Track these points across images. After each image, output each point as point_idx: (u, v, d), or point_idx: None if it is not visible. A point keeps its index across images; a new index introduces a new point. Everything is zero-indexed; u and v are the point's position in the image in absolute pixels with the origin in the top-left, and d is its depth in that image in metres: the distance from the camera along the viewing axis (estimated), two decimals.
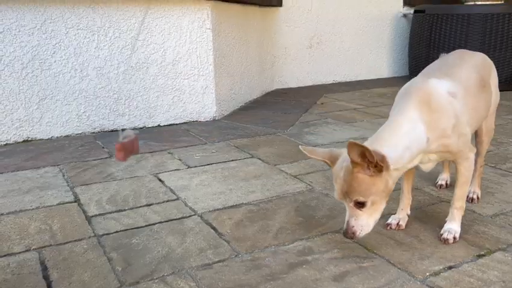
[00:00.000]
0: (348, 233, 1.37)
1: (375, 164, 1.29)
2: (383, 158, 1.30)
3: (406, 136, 1.39)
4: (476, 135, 1.82)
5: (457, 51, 1.81)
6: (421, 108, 1.41)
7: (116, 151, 0.97)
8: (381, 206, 1.38)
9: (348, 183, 1.34)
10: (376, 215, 1.38)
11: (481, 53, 1.81)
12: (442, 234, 1.57)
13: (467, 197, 1.84)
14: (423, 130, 1.39)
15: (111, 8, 2.93)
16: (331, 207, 1.86)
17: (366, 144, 1.33)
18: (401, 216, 1.68)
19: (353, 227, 1.36)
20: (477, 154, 1.80)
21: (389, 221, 1.68)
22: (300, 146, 1.48)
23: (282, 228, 1.69)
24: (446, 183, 2.05)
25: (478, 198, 1.89)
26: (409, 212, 1.71)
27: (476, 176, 1.87)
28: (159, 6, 3.04)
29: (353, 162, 1.30)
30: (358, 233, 1.37)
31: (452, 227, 1.58)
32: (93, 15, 2.89)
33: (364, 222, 1.37)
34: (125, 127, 3.07)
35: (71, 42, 2.87)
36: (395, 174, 1.38)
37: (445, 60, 1.72)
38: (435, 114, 1.42)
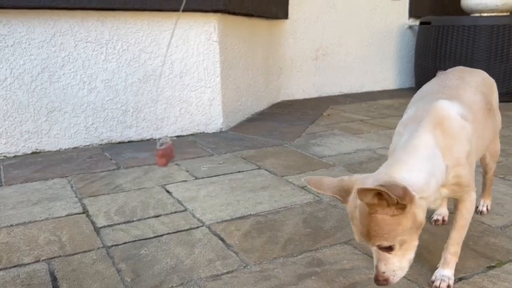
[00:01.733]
0: (380, 281, 1.16)
1: (396, 202, 1.07)
2: (404, 191, 1.08)
3: (427, 160, 1.19)
4: (481, 160, 1.72)
5: (455, 69, 1.61)
6: (434, 133, 1.23)
7: (157, 158, 0.99)
8: (414, 243, 1.17)
9: (366, 226, 1.12)
10: (410, 255, 1.16)
11: (481, 71, 1.65)
12: (433, 282, 1.37)
13: (476, 209, 1.81)
14: (440, 156, 1.21)
15: (119, 22, 2.96)
16: (340, 218, 1.86)
17: (381, 171, 1.18)
18: (443, 212, 1.75)
19: (384, 273, 1.15)
20: (485, 173, 1.81)
21: (434, 218, 1.75)
22: (303, 179, 1.27)
23: (290, 239, 1.69)
24: (443, 219, 1.83)
25: (488, 210, 1.85)
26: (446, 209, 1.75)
27: (485, 190, 1.85)
28: (167, 19, 3.07)
29: (369, 205, 1.09)
30: (391, 279, 1.15)
31: (446, 273, 1.38)
32: (101, 29, 2.93)
33: (397, 266, 1.15)
34: (132, 139, 3.09)
35: (79, 55, 2.90)
36: (423, 204, 1.16)
37: (444, 80, 1.52)
38: (450, 140, 1.24)
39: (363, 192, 1.05)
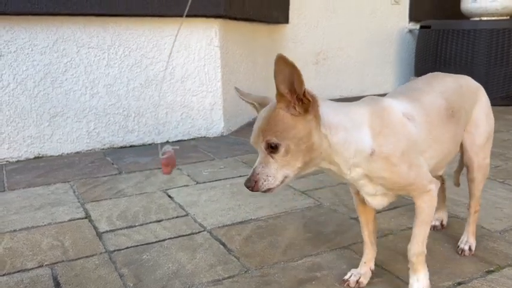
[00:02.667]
0: (250, 181, 1.13)
1: (302, 98, 1.08)
2: (313, 97, 1.10)
3: (352, 122, 1.17)
4: (467, 173, 1.56)
5: (428, 74, 1.53)
6: (371, 115, 1.19)
7: (162, 166, 1.02)
8: (296, 163, 1.12)
9: (266, 119, 1.13)
10: (288, 170, 1.13)
11: (464, 77, 1.54)
12: None
13: (458, 247, 1.61)
14: (368, 134, 1.17)
15: (121, 27, 2.98)
16: (340, 223, 1.87)
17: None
18: (363, 272, 1.42)
19: (257, 174, 1.13)
20: (470, 196, 1.59)
21: (347, 276, 1.43)
22: (235, 87, 1.34)
23: (291, 244, 1.70)
24: (441, 224, 1.79)
25: (470, 250, 1.59)
26: (373, 267, 1.44)
27: (470, 223, 1.61)
28: (168, 25, 3.09)
29: (279, 94, 1.09)
30: (261, 183, 1.12)
31: (420, 281, 1.31)
32: (103, 34, 2.95)
33: (272, 173, 1.12)
34: (134, 144, 3.11)
35: (81, 61, 2.92)
36: (324, 145, 1.14)
37: (412, 84, 1.47)
38: (384, 128, 1.19)
39: (282, 59, 1.04)
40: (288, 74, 1.06)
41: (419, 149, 1.25)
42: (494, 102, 4.55)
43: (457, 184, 1.79)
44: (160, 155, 0.88)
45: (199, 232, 1.81)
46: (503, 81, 4.37)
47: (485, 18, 4.62)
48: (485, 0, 4.57)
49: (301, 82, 1.06)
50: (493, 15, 4.60)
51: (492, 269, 1.50)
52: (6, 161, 2.79)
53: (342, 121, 1.16)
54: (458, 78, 1.51)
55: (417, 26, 5.18)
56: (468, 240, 1.61)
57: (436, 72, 1.54)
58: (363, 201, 1.33)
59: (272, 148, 1.10)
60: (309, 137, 1.11)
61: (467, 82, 1.52)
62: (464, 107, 1.43)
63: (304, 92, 1.08)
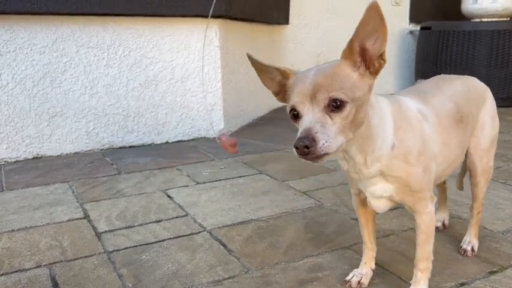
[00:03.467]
0: (307, 139, 0.94)
1: (375, 60, 1.01)
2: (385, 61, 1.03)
3: (381, 106, 1.13)
4: (470, 177, 1.53)
5: (436, 77, 1.50)
6: (393, 110, 1.15)
7: (228, 147, 0.93)
8: (349, 132, 1.00)
9: (328, 74, 0.99)
10: (342, 138, 0.99)
11: (470, 78, 1.51)
12: None
13: (461, 247, 1.59)
14: (391, 126, 1.12)
15: (121, 27, 2.97)
16: (341, 223, 1.86)
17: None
18: (364, 272, 1.40)
19: (316, 133, 0.95)
20: (473, 198, 1.56)
21: (349, 277, 1.40)
22: (247, 53, 1.22)
23: (292, 244, 1.68)
24: (443, 224, 1.76)
25: (473, 250, 1.57)
26: (373, 267, 1.41)
27: (472, 224, 1.59)
28: (168, 24, 3.08)
29: (349, 49, 1.01)
30: (321, 144, 0.94)
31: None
32: (103, 34, 2.94)
33: (333, 134, 0.96)
34: (133, 144, 3.09)
35: (81, 60, 2.91)
36: (365, 123, 1.05)
37: (420, 86, 1.43)
38: (403, 123, 1.15)
39: (375, 8, 0.96)
40: (374, 27, 0.97)
41: (432, 153, 1.21)
42: (496, 103, 4.55)
43: (461, 188, 1.77)
44: (217, 139, 0.85)
45: (199, 232, 1.80)
46: (504, 82, 4.36)
47: (485, 20, 4.62)
48: (485, 2, 4.57)
49: (385, 40, 0.98)
50: (493, 16, 4.59)
51: (495, 269, 1.48)
52: (5, 161, 2.78)
53: (377, 105, 1.11)
54: (466, 80, 1.48)
55: (418, 27, 5.17)
56: (471, 241, 1.59)
57: (443, 75, 1.51)
58: (363, 203, 1.30)
59: (335, 107, 0.97)
60: (367, 105, 1.03)
61: (474, 84, 1.49)
62: (472, 111, 1.40)
63: (384, 52, 1.00)
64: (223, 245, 1.69)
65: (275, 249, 1.65)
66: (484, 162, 1.49)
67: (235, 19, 3.40)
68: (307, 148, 0.94)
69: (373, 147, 1.10)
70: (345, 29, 4.94)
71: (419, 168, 1.15)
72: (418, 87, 1.43)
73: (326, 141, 0.95)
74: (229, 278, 1.46)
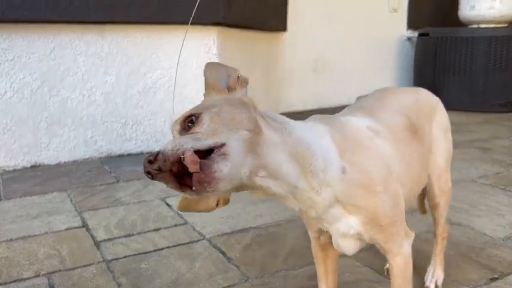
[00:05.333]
0: (158, 155, 0.73)
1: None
2: (244, 80, 0.98)
3: (310, 128, 0.95)
4: (428, 199, 1.36)
5: (377, 90, 1.34)
6: (331, 132, 0.95)
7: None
8: (220, 136, 0.77)
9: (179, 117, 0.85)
10: (205, 141, 0.76)
11: (419, 89, 1.35)
12: None
13: (424, 284, 1.43)
14: (333, 147, 0.92)
15: (119, 35, 2.97)
16: None
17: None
18: None
19: (166, 145, 0.75)
20: (434, 223, 1.40)
21: None
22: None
23: (292, 252, 1.68)
24: (436, 285, 1.43)
25: (437, 287, 1.41)
26: None
27: (436, 253, 1.43)
28: (166, 32, 3.08)
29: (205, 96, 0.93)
30: (169, 148, 0.73)
31: None
32: (101, 42, 2.94)
33: (184, 140, 0.75)
34: (131, 152, 3.09)
35: (79, 68, 2.91)
36: (279, 137, 0.86)
37: (362, 103, 1.24)
38: (350, 146, 0.95)
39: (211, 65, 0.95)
40: (217, 74, 0.96)
41: (396, 173, 1.01)
42: (493, 108, 4.57)
43: (423, 211, 1.57)
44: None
45: (198, 240, 1.79)
46: (502, 88, 4.37)
47: (483, 26, 4.63)
48: (483, 8, 4.58)
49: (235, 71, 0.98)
50: (491, 22, 4.61)
51: (496, 276, 1.48)
52: (3, 170, 2.77)
53: (300, 125, 0.93)
54: (412, 91, 1.33)
55: (415, 34, 5.19)
56: (435, 274, 1.43)
57: (385, 87, 1.38)
58: (323, 247, 1.12)
59: (191, 123, 0.81)
60: (253, 121, 0.84)
61: (423, 96, 1.32)
62: (423, 125, 1.22)
63: (239, 77, 0.98)
64: (223, 253, 1.68)
65: (275, 257, 1.64)
66: (442, 182, 1.32)
67: (233, 26, 3.41)
68: (152, 162, 0.73)
69: (311, 168, 0.88)
70: (343, 35, 4.98)
71: (384, 196, 0.95)
72: (359, 104, 1.24)
73: (178, 144, 0.74)
74: (228, 286, 1.45)
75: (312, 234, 1.12)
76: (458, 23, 4.94)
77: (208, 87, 0.93)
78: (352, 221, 0.95)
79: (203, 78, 0.95)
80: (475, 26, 4.70)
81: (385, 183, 0.95)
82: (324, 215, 0.95)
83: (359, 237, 0.98)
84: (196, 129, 0.78)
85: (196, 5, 1.11)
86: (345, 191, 0.92)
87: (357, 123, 1.03)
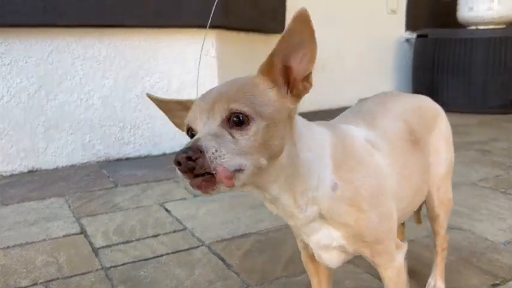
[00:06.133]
0: (191, 148, 0.72)
1: (298, 81, 0.83)
2: (311, 85, 0.84)
3: (315, 138, 0.90)
4: (427, 210, 1.31)
5: (379, 94, 1.29)
6: (332, 143, 0.92)
7: (225, 180, 0.70)
8: (258, 155, 0.77)
9: (234, 87, 0.81)
10: (250, 160, 0.76)
11: (421, 97, 1.31)
12: None
13: None
14: (329, 163, 0.90)
15: (117, 39, 2.96)
16: None
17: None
18: None
19: (207, 141, 0.74)
20: (434, 234, 1.36)
21: None
22: (146, 94, 1.05)
23: (292, 258, 1.66)
24: None
25: None
26: None
27: (437, 264, 1.40)
28: (164, 36, 3.06)
29: (269, 64, 0.82)
30: (211, 153, 0.72)
31: None
32: (99, 46, 2.92)
33: (230, 149, 0.74)
34: (130, 156, 3.07)
35: (77, 72, 2.89)
36: (289, 155, 0.83)
37: (363, 107, 1.20)
38: (348, 160, 0.92)
39: (304, 17, 0.76)
40: (302, 42, 0.79)
41: (391, 190, 0.98)
42: (492, 110, 4.55)
43: (419, 222, 1.51)
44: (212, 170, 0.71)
45: (197, 247, 1.77)
46: (500, 89, 4.36)
47: (481, 27, 4.63)
48: (481, 9, 4.58)
49: (314, 59, 0.80)
50: (489, 24, 4.61)
51: (498, 282, 1.46)
52: (0, 175, 2.75)
53: (310, 136, 0.89)
54: (415, 97, 1.29)
55: (414, 35, 5.18)
56: (436, 285, 1.40)
57: (388, 91, 1.32)
58: (313, 258, 1.07)
59: (237, 123, 0.77)
60: (285, 131, 0.81)
61: (426, 103, 1.28)
62: (425, 132, 1.19)
63: (310, 74, 0.82)
64: (222, 259, 1.67)
65: (275, 263, 1.63)
66: (441, 193, 1.27)
67: (232, 29, 3.39)
68: (191, 160, 0.72)
69: (304, 187, 0.87)
70: (341, 37, 4.97)
71: (371, 214, 0.92)
72: (361, 107, 1.20)
73: (217, 151, 0.73)
74: None
75: (299, 244, 1.09)
76: (456, 24, 4.93)
77: (281, 49, 0.80)
78: (335, 233, 0.92)
79: (287, 30, 0.78)
80: (474, 27, 4.69)
81: (375, 202, 0.93)
82: (303, 228, 0.93)
83: (343, 249, 0.95)
84: (237, 135, 0.76)
85: (214, 7, 1.04)
86: (331, 208, 0.89)
87: (357, 134, 1.00)
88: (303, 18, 0.76)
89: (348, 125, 1.03)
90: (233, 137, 0.76)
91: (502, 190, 2.29)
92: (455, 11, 4.89)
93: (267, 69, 0.82)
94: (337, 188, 0.89)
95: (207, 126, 0.78)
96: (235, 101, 0.77)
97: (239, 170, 0.75)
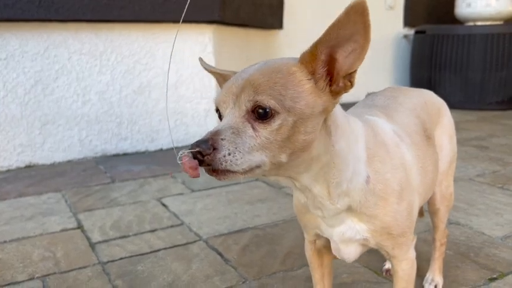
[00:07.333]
0: (206, 143, 0.73)
1: (342, 77, 0.78)
2: (353, 84, 0.80)
3: (352, 128, 0.88)
4: (428, 204, 1.31)
5: (387, 88, 1.27)
6: (366, 133, 0.91)
7: (190, 170, 0.70)
8: (279, 151, 0.75)
9: (267, 74, 0.76)
10: (266, 158, 0.75)
11: (425, 91, 1.30)
12: None
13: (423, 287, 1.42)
14: (364, 154, 0.88)
15: (113, 34, 2.94)
16: None
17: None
18: None
19: (223, 139, 0.73)
20: (434, 228, 1.37)
21: None
22: (199, 58, 1.05)
23: (290, 253, 1.66)
24: (387, 271, 1.49)
25: None
26: None
27: (435, 258, 1.40)
28: (162, 31, 3.05)
29: (311, 53, 0.77)
30: (222, 155, 0.72)
31: None
32: (96, 41, 2.91)
33: (247, 148, 0.73)
34: (127, 151, 3.06)
35: (73, 67, 2.88)
36: (323, 148, 0.81)
37: (373, 100, 1.18)
38: (379, 151, 0.91)
39: (362, 8, 0.72)
40: (354, 35, 0.75)
41: (415, 183, 0.98)
42: (491, 107, 4.55)
43: (421, 215, 1.47)
44: (178, 159, 0.70)
45: (194, 241, 1.77)
46: (498, 86, 4.36)
47: (479, 23, 4.63)
48: (479, 6, 4.58)
49: (363, 56, 0.76)
50: (487, 20, 4.61)
51: (495, 276, 1.46)
52: None
53: (348, 127, 0.87)
54: (421, 92, 1.27)
55: (412, 31, 5.18)
56: (434, 279, 1.40)
57: (394, 86, 1.32)
58: (319, 252, 1.09)
59: (261, 116, 0.74)
60: (316, 126, 0.77)
61: (430, 97, 1.27)
62: (432, 127, 1.19)
63: (354, 72, 0.78)
64: (220, 254, 1.66)
65: (273, 258, 1.62)
66: (443, 187, 1.27)
67: (229, 24, 3.38)
68: (200, 155, 0.72)
69: (339, 179, 0.85)
70: None
71: (401, 207, 0.92)
72: (373, 101, 1.17)
73: (231, 154, 0.72)
74: None
75: (308, 238, 1.09)
76: (454, 20, 4.93)
77: (327, 39, 0.75)
78: (360, 227, 0.92)
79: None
80: (472, 23, 4.69)
81: (403, 194, 0.92)
82: (330, 219, 0.92)
83: (365, 242, 0.95)
84: (260, 128, 0.74)
85: (188, 3, 1.04)
86: (362, 201, 0.89)
87: (385, 125, 0.99)
88: (359, 8, 0.70)
89: (374, 117, 1.00)
90: (255, 129, 0.74)
91: (499, 185, 2.29)
92: (453, 7, 4.89)
93: (309, 57, 0.77)
94: (370, 180, 0.88)
95: (231, 114, 0.76)
96: (262, 92, 0.73)
97: (256, 166, 0.75)
